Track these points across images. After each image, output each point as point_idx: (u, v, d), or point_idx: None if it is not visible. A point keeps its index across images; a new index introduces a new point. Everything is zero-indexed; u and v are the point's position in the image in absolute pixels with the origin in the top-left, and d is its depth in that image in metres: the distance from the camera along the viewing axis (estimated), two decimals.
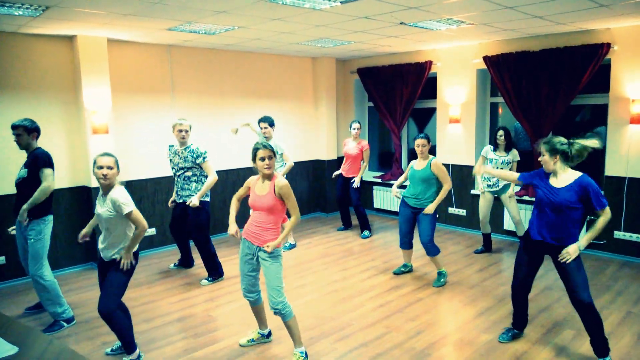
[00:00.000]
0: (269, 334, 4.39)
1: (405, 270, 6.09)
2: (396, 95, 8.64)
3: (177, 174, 5.87)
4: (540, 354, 4.06)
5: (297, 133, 9.12)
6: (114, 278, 3.78)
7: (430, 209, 5.44)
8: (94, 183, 6.26)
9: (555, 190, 3.75)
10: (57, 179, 5.90)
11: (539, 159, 3.85)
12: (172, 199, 6.12)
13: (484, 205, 6.65)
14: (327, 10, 5.05)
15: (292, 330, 3.96)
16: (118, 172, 3.81)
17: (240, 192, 4.20)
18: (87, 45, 6.16)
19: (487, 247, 6.93)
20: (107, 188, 3.77)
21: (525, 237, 4.03)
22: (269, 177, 3.89)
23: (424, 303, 5.20)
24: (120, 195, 3.72)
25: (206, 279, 5.88)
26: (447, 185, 5.44)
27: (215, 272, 5.92)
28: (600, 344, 3.80)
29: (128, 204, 3.72)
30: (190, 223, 5.85)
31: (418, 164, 5.58)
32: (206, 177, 5.81)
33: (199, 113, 7.61)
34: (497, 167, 6.41)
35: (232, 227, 4.05)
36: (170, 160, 5.97)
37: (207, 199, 5.86)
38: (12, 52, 5.87)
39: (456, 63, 7.91)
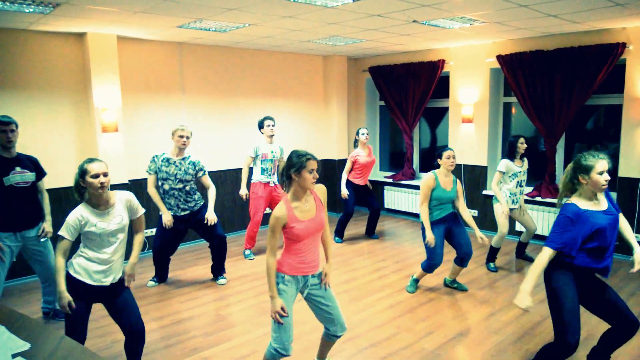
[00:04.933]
0: None
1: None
2: (408, 94, 8.58)
3: (177, 187, 5.28)
4: None
5: (307, 132, 9.08)
6: (130, 296, 3.54)
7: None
8: None
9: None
10: (65, 177, 5.94)
11: (605, 179, 3.11)
12: (168, 218, 5.29)
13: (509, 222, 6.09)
14: (338, 7, 5.02)
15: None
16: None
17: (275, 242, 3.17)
18: (97, 42, 6.16)
19: (491, 257, 6.25)
20: (101, 199, 3.30)
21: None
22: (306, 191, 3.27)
23: (434, 303, 5.15)
24: (131, 195, 3.50)
25: (223, 277, 5.83)
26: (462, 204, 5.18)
27: (223, 269, 5.90)
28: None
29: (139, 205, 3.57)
30: (215, 226, 5.43)
31: (445, 183, 5.05)
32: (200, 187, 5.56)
33: (208, 111, 7.60)
34: (521, 180, 5.95)
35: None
36: (159, 171, 5.27)
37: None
38: (22, 49, 5.88)
39: (469, 62, 7.83)
